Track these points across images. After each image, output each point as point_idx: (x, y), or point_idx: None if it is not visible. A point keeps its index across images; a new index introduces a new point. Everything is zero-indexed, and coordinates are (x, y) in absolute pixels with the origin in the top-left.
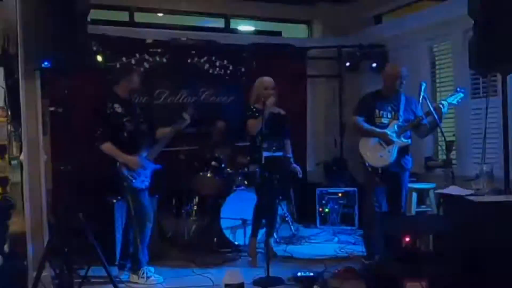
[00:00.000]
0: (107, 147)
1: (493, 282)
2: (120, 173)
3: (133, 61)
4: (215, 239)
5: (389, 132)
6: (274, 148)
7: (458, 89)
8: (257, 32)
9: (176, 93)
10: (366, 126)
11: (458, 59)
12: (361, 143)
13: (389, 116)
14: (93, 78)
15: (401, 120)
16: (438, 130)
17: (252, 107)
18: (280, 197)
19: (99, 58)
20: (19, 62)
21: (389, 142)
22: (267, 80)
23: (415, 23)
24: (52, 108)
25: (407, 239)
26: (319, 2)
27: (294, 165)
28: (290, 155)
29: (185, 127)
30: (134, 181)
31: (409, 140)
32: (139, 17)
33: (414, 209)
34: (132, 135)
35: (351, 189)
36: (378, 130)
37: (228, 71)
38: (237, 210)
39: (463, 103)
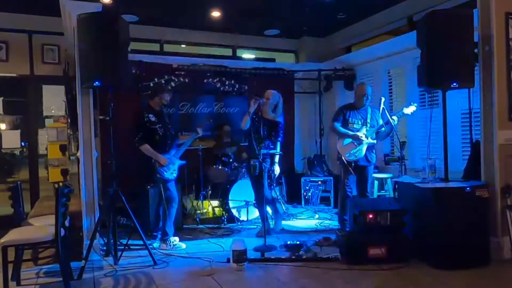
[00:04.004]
0: (145, 147)
1: (434, 246)
2: (155, 167)
3: (162, 81)
4: (224, 215)
5: (359, 134)
6: (271, 147)
7: (412, 102)
8: (257, 59)
9: (195, 105)
10: (342, 129)
11: (409, 79)
12: (338, 143)
13: (359, 123)
14: (132, 94)
15: (368, 126)
16: (394, 133)
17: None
18: (274, 184)
19: (137, 79)
20: (76, 82)
21: (360, 141)
22: (267, 91)
23: (377, 52)
24: (101, 117)
25: (371, 215)
26: (304, 36)
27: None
28: (281, 152)
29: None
30: (165, 173)
31: (375, 140)
32: (167, 47)
33: (376, 193)
34: (163, 138)
35: (328, 178)
36: (351, 132)
37: (235, 89)
38: (241, 194)
39: (413, 113)
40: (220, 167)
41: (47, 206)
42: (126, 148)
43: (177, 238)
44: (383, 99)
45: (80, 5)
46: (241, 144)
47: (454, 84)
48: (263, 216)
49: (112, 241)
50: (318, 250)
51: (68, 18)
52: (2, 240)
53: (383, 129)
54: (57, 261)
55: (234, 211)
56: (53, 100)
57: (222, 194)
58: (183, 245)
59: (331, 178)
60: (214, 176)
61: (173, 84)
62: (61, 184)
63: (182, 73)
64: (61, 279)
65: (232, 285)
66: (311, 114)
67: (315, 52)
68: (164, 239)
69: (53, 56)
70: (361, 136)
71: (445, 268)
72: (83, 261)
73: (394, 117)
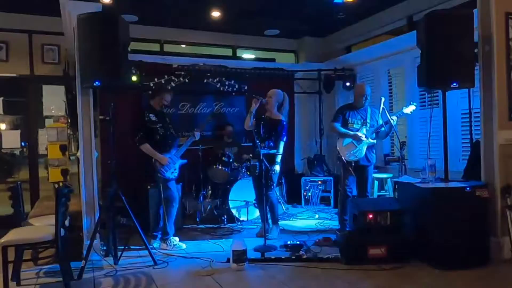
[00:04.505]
0: (145, 147)
1: (434, 246)
2: (155, 167)
3: (162, 81)
4: (224, 215)
5: (359, 133)
6: (271, 146)
7: (411, 102)
8: (257, 59)
9: (195, 105)
10: (342, 129)
11: (409, 79)
12: (338, 143)
13: (359, 123)
14: (132, 93)
15: (368, 126)
16: (394, 133)
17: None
18: (275, 184)
19: (137, 78)
20: (76, 82)
21: (359, 140)
22: (271, 90)
23: (377, 52)
24: (101, 117)
25: (371, 215)
26: (304, 36)
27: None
28: (281, 152)
29: (202, 132)
30: (166, 173)
31: (375, 140)
32: (167, 47)
33: (376, 193)
34: (163, 138)
35: (328, 178)
36: (351, 132)
37: (235, 89)
38: (241, 194)
39: (413, 113)
40: (220, 167)
41: (47, 206)
42: (126, 148)
43: (177, 238)
44: (383, 99)
45: (80, 5)
46: (242, 144)
47: (454, 84)
48: (263, 216)
49: (112, 241)
50: (318, 250)
51: (68, 18)
52: (2, 240)
53: (382, 129)
54: (57, 261)
55: (234, 211)
56: (53, 100)
57: (222, 194)
58: (183, 245)
59: (331, 178)
60: (214, 176)
61: (173, 84)
62: (61, 184)
63: (182, 73)
64: (61, 279)
65: (232, 285)
66: (311, 114)
67: (315, 52)
68: (165, 238)
69: (53, 56)
70: (361, 136)
71: (445, 268)
72: (83, 261)
73: (394, 117)
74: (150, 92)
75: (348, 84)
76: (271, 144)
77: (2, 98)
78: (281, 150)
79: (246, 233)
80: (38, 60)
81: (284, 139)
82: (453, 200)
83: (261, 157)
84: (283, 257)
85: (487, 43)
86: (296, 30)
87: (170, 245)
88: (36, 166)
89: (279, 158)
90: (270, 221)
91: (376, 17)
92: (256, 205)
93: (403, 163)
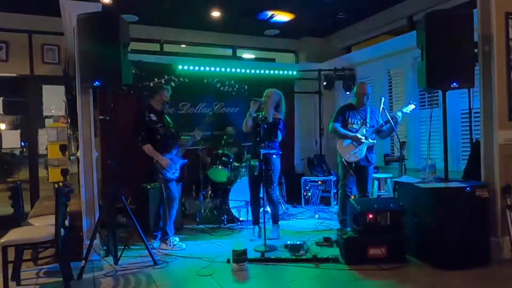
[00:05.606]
0: (147, 147)
1: (434, 246)
2: (156, 167)
3: (162, 81)
4: (224, 215)
5: (359, 135)
6: (269, 146)
7: (411, 101)
8: (257, 59)
9: (195, 105)
10: (342, 130)
11: (409, 79)
12: (338, 143)
13: (359, 123)
14: (132, 93)
15: (368, 126)
16: (394, 133)
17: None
18: (274, 184)
19: (137, 79)
20: (76, 82)
21: (359, 142)
22: (268, 90)
23: (376, 52)
24: (101, 117)
25: (371, 215)
26: (304, 36)
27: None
28: (280, 151)
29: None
30: (167, 173)
31: (375, 141)
32: (167, 47)
33: (375, 193)
34: (164, 137)
35: (328, 178)
36: (351, 133)
37: (235, 89)
38: (241, 194)
39: (413, 113)
40: (220, 167)
41: (47, 206)
42: (126, 148)
43: (177, 238)
44: (383, 99)
45: (80, 5)
46: (243, 144)
47: (454, 84)
48: (257, 216)
49: (112, 241)
50: (318, 250)
51: (68, 18)
52: (2, 240)
53: (383, 128)
54: (57, 261)
55: (234, 211)
56: (53, 100)
57: (222, 194)
58: (183, 245)
59: (331, 178)
60: (214, 176)
61: (173, 84)
62: (61, 184)
63: (182, 73)
64: (61, 279)
65: (232, 285)
66: (311, 114)
67: (315, 52)
68: (164, 239)
69: (53, 56)
70: (360, 138)
71: (445, 268)
72: (83, 261)
73: (399, 113)
74: (149, 92)
75: (348, 84)
76: (270, 144)
77: (2, 98)
78: (280, 138)
79: (246, 233)
80: (38, 60)
81: (283, 134)
82: (453, 200)
83: (261, 157)
84: (283, 257)
85: (487, 43)
86: (296, 30)
87: (170, 245)
88: (36, 166)
89: (277, 156)
90: (270, 220)
91: (376, 17)
92: (250, 204)
93: (403, 163)
